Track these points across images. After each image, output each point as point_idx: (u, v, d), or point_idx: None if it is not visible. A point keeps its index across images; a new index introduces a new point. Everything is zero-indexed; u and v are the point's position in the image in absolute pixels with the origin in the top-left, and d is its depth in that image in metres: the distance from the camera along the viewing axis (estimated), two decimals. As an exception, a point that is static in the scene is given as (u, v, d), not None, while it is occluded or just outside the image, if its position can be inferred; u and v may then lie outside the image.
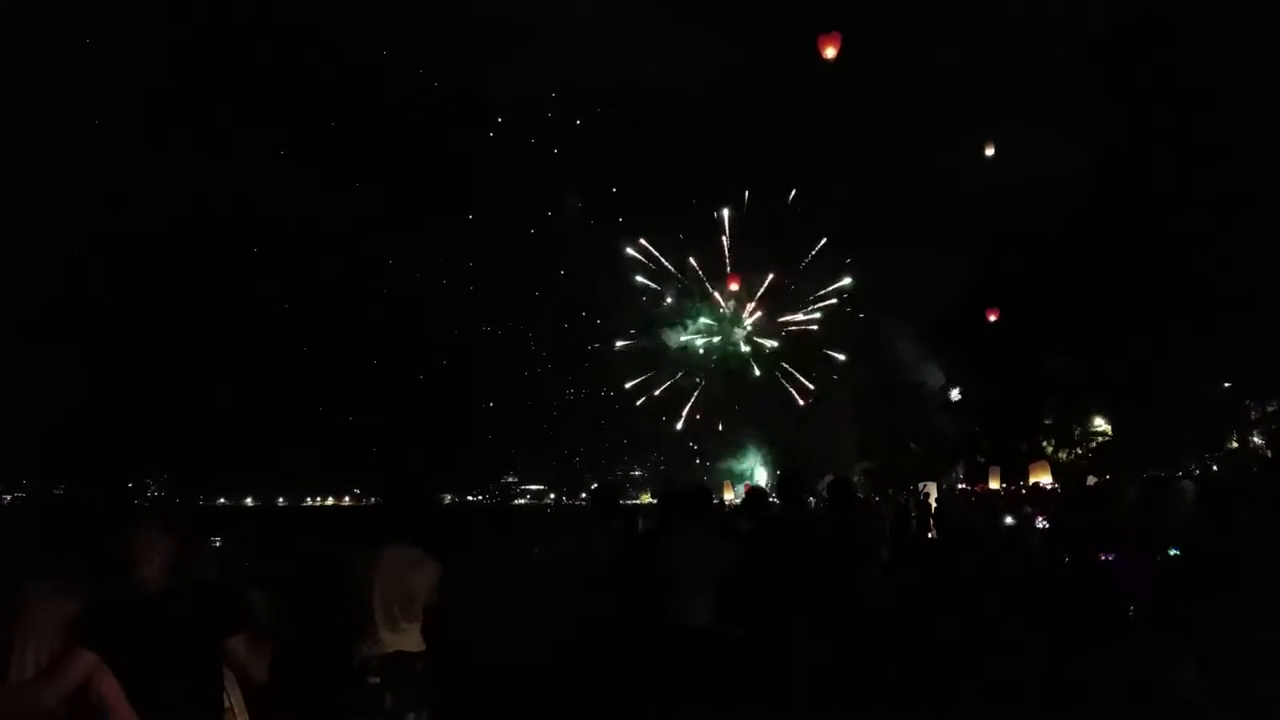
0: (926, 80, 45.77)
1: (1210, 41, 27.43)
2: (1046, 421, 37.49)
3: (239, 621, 3.39)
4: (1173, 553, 9.52)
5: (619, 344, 67.37)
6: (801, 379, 64.47)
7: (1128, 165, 30.07)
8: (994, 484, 26.49)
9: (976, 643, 9.13)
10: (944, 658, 8.56)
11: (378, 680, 4.63)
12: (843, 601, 6.40)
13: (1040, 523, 17.50)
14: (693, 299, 66.11)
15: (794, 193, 62.44)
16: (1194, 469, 28.83)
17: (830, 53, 23.16)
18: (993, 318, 33.28)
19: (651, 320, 66.44)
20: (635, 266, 65.50)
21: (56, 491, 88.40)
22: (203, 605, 3.32)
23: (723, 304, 65.86)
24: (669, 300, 66.36)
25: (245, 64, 75.70)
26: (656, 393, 66.17)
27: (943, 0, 48.23)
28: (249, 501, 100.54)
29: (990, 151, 33.94)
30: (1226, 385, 31.63)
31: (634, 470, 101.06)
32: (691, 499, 6.52)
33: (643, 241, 65.17)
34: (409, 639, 4.75)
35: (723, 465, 63.37)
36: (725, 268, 63.47)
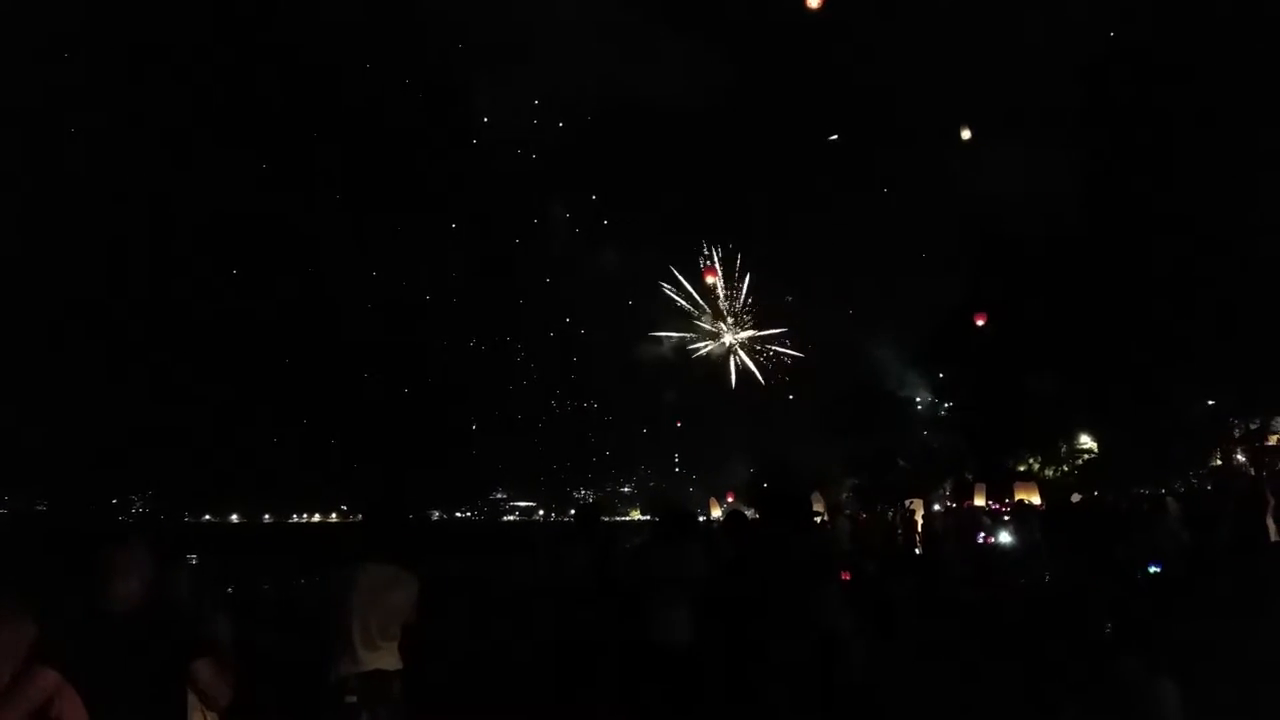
0: (917, 92, 46.13)
1: (1197, 65, 27.76)
2: (1028, 454, 37.58)
3: (203, 645, 3.38)
4: (1154, 569, 9.56)
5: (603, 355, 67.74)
6: (790, 393, 64.75)
7: (1111, 185, 30.34)
8: (979, 500, 26.45)
9: (950, 662, 9.11)
10: (916, 678, 8.54)
11: (354, 699, 4.61)
12: (799, 622, 6.47)
13: (1001, 536, 17.47)
14: (679, 310, 66.53)
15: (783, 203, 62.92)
16: (1179, 486, 28.93)
17: (814, 2, 23.03)
18: (980, 322, 33.36)
19: (637, 330, 66.78)
20: (619, 276, 65.94)
21: (40, 508, 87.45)
22: (166, 627, 3.31)
23: (707, 317, 66.26)
24: (654, 310, 66.80)
25: (233, 76, 75.75)
26: (642, 405, 66.47)
27: (933, 18, 48.69)
28: (234, 518, 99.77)
29: (966, 134, 33.99)
30: (1210, 403, 31.82)
31: (623, 486, 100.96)
32: (678, 518, 6.97)
33: (627, 253, 65.63)
34: (387, 657, 4.72)
35: (709, 480, 63.48)
36: (711, 271, 63.80)
